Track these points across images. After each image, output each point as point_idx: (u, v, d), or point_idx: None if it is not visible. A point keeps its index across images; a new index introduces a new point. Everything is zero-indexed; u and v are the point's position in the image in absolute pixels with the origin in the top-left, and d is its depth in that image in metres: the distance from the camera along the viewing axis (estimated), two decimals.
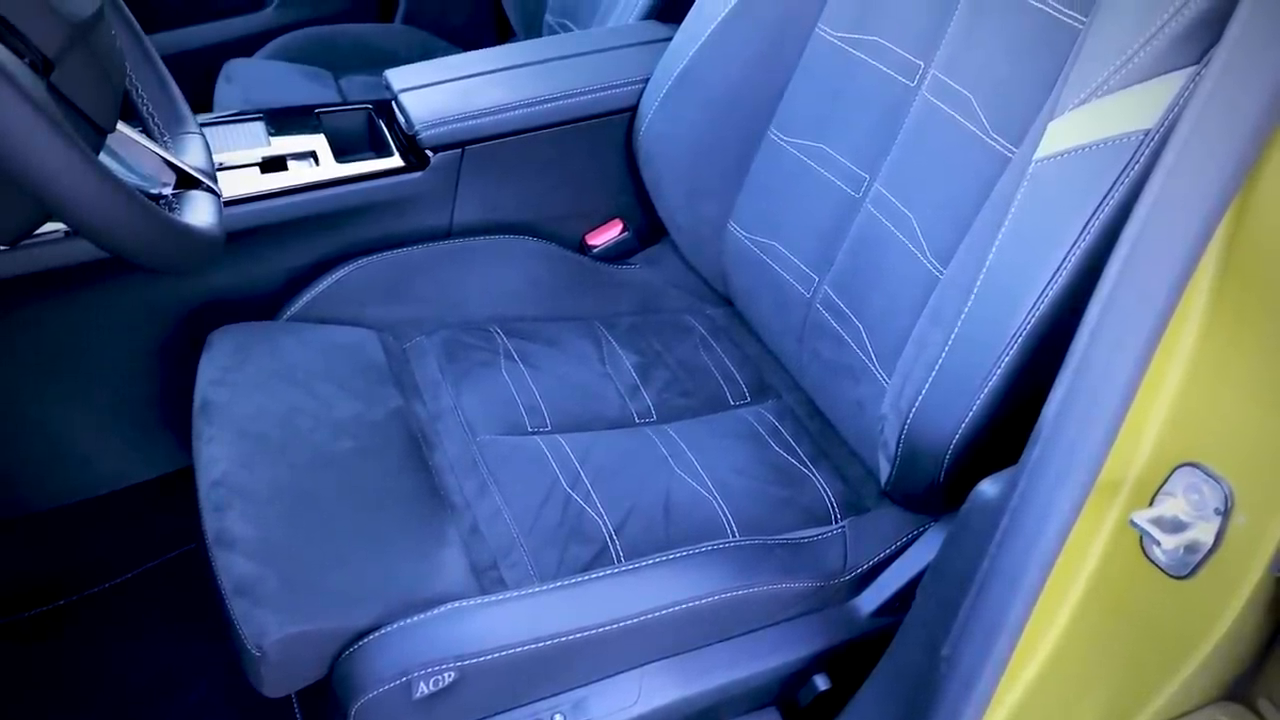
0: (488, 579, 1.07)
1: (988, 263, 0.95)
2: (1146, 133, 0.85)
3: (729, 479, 1.21)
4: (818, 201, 1.25)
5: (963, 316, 0.97)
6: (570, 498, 1.15)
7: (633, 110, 1.46)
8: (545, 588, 1.02)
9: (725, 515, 1.16)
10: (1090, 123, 0.88)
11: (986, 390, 0.95)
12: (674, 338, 1.45)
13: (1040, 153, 0.93)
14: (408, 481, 1.13)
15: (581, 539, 1.12)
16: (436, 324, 1.40)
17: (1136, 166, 0.85)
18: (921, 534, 1.13)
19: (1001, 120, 1.02)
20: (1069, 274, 0.89)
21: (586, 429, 1.27)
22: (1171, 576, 0.74)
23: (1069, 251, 0.89)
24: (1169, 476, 0.73)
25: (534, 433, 1.25)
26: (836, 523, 1.17)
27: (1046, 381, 0.76)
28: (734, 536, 1.14)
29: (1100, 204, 0.87)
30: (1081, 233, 0.88)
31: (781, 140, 1.31)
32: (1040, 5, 1.00)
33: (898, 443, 1.05)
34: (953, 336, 0.98)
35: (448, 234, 1.46)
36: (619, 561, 1.10)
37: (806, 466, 1.25)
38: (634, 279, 1.55)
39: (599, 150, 1.50)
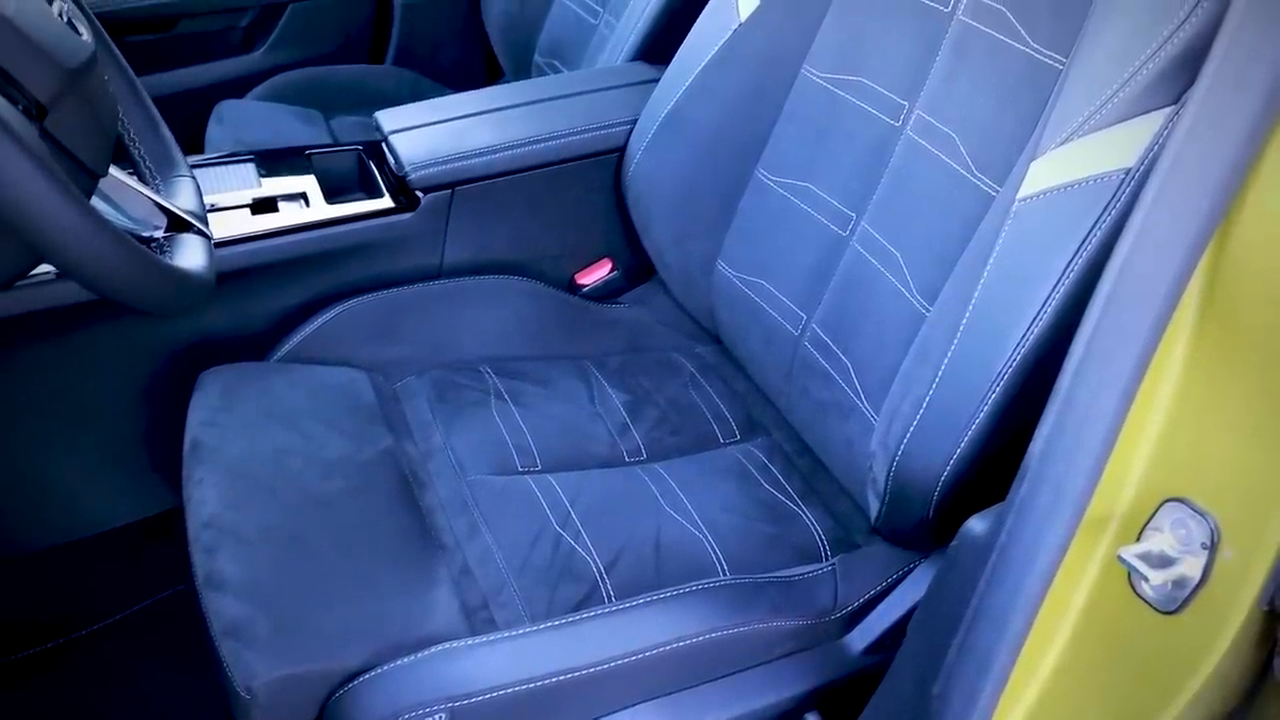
0: (478, 619, 1.07)
1: (973, 301, 0.96)
2: (1127, 171, 0.86)
3: (719, 517, 1.21)
4: (805, 240, 1.26)
5: (949, 354, 0.98)
6: (560, 537, 1.15)
7: (621, 151, 1.48)
8: (536, 628, 1.02)
9: (715, 553, 1.16)
10: (1072, 162, 0.90)
11: (974, 427, 0.95)
12: (663, 376, 1.46)
13: (1023, 192, 0.94)
14: (398, 522, 1.13)
15: (572, 578, 1.11)
16: (427, 364, 1.40)
17: (1118, 205, 0.87)
18: (911, 571, 1.13)
19: (985, 159, 1.03)
20: (1053, 311, 0.90)
21: (577, 468, 1.27)
22: (1160, 612, 0.74)
23: (1053, 289, 0.90)
24: (1156, 512, 0.74)
25: (524, 472, 1.25)
26: (826, 560, 1.17)
27: (1033, 417, 0.76)
28: (724, 575, 1.14)
29: (1083, 242, 0.88)
30: (1065, 270, 0.89)
31: (769, 180, 1.32)
32: (1021, 46, 1.01)
33: (886, 480, 1.06)
34: (939, 374, 0.99)
35: (438, 274, 1.47)
36: (609, 601, 1.10)
37: (796, 504, 1.25)
38: (623, 318, 1.55)
39: (588, 190, 1.51)
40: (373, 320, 1.38)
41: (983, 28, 1.06)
